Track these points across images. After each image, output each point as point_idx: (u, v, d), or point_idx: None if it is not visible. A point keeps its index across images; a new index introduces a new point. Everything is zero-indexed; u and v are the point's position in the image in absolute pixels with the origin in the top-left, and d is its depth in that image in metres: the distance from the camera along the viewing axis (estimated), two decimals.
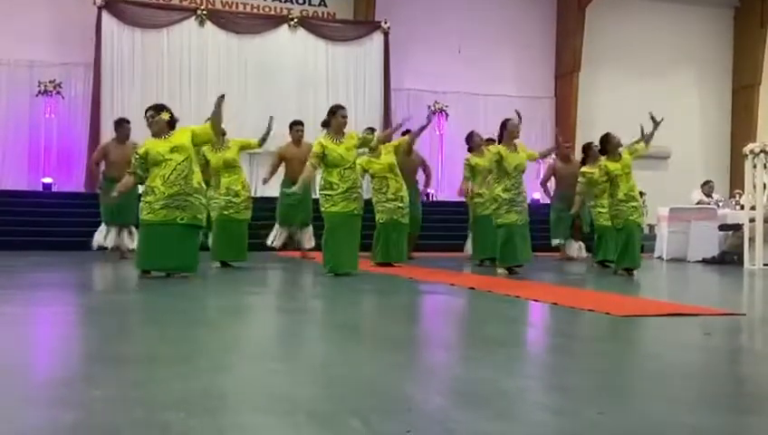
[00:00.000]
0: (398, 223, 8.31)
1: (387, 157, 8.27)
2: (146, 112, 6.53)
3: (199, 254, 6.57)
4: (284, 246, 9.76)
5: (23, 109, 14.12)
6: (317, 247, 8.35)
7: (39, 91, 14.05)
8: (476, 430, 1.90)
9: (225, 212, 7.95)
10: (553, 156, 10.15)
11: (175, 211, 6.24)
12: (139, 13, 14.46)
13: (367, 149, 8.02)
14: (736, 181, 15.41)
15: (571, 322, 4.19)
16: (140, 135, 7.03)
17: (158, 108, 6.51)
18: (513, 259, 7.49)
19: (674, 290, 7.29)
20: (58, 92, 14.17)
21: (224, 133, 8.30)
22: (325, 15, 16.03)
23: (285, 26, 15.32)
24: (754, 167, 9.75)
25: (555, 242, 10.47)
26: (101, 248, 9.11)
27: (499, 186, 7.56)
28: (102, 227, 9.12)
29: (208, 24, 14.85)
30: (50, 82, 14.08)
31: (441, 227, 12.22)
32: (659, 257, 11.65)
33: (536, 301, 4.96)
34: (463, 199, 9.78)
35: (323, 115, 7.27)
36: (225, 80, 14.84)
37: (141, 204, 6.33)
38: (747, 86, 18.07)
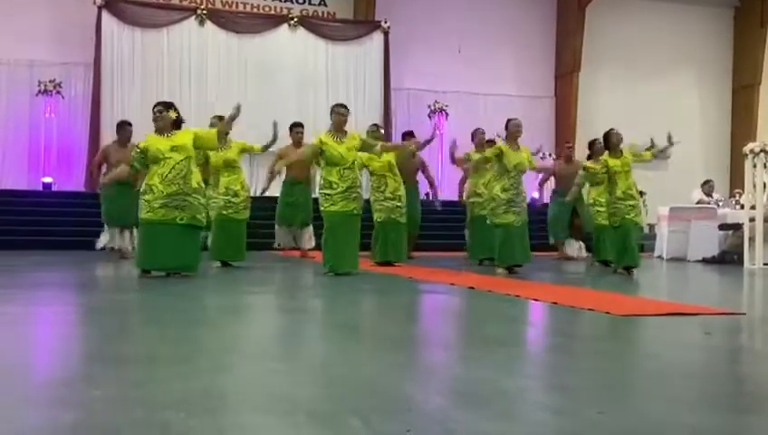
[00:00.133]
0: (396, 222, 8.31)
1: (387, 156, 8.27)
2: (154, 107, 6.55)
3: (200, 254, 6.58)
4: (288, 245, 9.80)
5: (23, 108, 14.13)
6: (317, 247, 8.35)
7: (39, 91, 14.06)
8: (476, 429, 1.90)
9: (225, 212, 7.95)
10: (554, 157, 10.17)
11: (174, 211, 6.24)
12: (139, 12, 14.46)
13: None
14: (736, 181, 15.41)
15: (570, 321, 4.19)
16: (141, 136, 7.02)
17: (168, 105, 6.53)
18: (511, 259, 7.50)
19: (674, 289, 7.29)
20: (58, 92, 14.18)
21: (226, 133, 8.29)
22: (325, 15, 16.04)
23: (285, 26, 15.32)
24: (754, 166, 9.76)
25: (553, 240, 10.49)
26: (106, 249, 9.15)
27: (498, 184, 7.57)
28: (106, 229, 9.15)
29: (208, 24, 14.85)
30: (50, 81, 14.09)
31: (441, 227, 12.22)
32: (659, 257, 11.65)
33: (536, 300, 4.96)
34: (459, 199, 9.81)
35: (323, 115, 7.30)
36: (225, 79, 14.87)
37: (140, 202, 6.34)
38: (747, 86, 18.07)
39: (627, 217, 7.60)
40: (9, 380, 2.43)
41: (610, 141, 7.79)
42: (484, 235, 8.53)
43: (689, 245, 11.16)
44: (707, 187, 12.90)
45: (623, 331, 3.85)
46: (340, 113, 7.07)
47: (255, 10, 15.57)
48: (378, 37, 15.79)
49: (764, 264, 9.44)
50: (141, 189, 6.46)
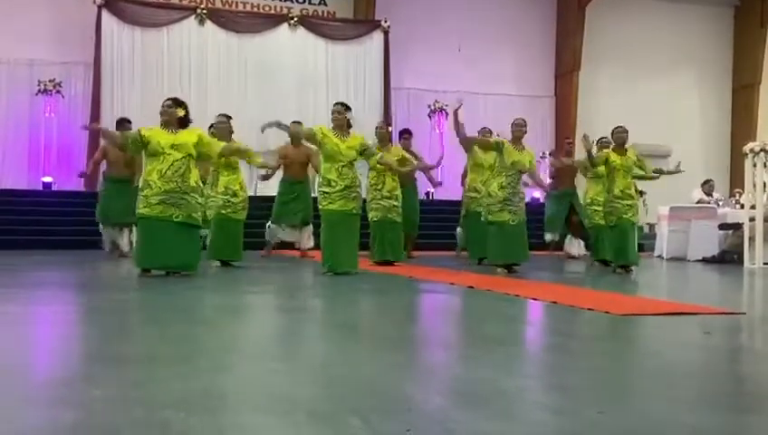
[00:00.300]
0: (393, 221, 8.30)
1: (388, 156, 8.27)
2: (165, 100, 6.55)
3: (199, 253, 6.58)
4: (282, 243, 9.77)
5: (23, 108, 14.14)
6: (317, 247, 8.34)
7: (39, 90, 14.06)
8: (476, 429, 1.90)
9: (223, 211, 7.96)
10: (550, 155, 10.14)
11: (171, 208, 6.24)
12: (138, 12, 14.47)
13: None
14: (736, 180, 15.42)
15: (570, 321, 4.19)
16: None
17: (178, 102, 6.52)
18: (503, 257, 7.50)
19: (674, 289, 7.29)
20: (58, 91, 14.18)
21: (231, 132, 8.30)
22: (325, 14, 16.04)
23: (285, 25, 15.33)
24: (754, 166, 9.76)
25: (548, 237, 10.45)
26: (105, 248, 9.21)
27: (495, 181, 7.59)
28: (101, 228, 9.18)
29: (208, 23, 14.86)
30: (50, 81, 14.09)
31: (441, 227, 12.21)
32: (659, 256, 11.65)
33: (535, 300, 4.96)
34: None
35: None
36: (225, 79, 14.88)
37: (139, 197, 6.35)
38: (747, 85, 18.07)
39: (624, 216, 7.61)
40: (9, 380, 2.43)
41: (613, 138, 7.86)
42: (479, 233, 8.49)
43: (689, 244, 11.16)
44: (708, 186, 12.90)
45: (623, 330, 3.85)
46: (336, 111, 7.05)
47: (255, 9, 15.58)
48: (378, 37, 15.79)
49: (764, 263, 9.44)
50: (140, 185, 6.47)
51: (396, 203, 8.32)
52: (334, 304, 5.06)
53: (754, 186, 9.96)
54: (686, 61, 18.13)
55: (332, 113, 7.07)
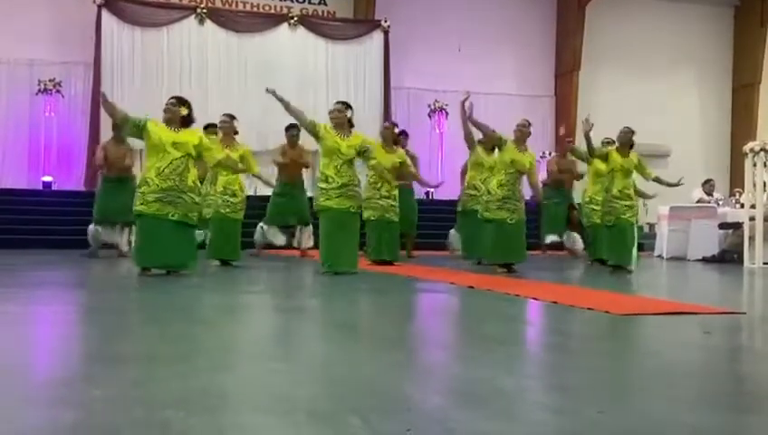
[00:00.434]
0: (390, 221, 8.30)
1: (385, 160, 8.26)
2: (170, 98, 6.55)
3: (197, 252, 6.58)
4: (270, 245, 9.74)
5: (23, 107, 14.14)
6: (316, 246, 8.34)
7: (39, 90, 14.07)
8: (476, 429, 1.90)
9: (222, 211, 7.98)
10: (550, 154, 10.11)
11: (167, 206, 6.23)
12: (138, 11, 14.47)
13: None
14: (736, 180, 15.42)
15: (570, 320, 4.19)
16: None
17: (182, 101, 6.52)
18: (501, 257, 7.50)
19: (674, 288, 7.29)
20: (58, 91, 14.19)
21: (236, 132, 8.32)
22: (325, 14, 16.04)
23: (285, 25, 15.33)
24: (754, 165, 9.76)
25: (549, 239, 10.35)
26: (105, 246, 9.15)
27: (495, 179, 7.61)
28: (91, 227, 9.09)
29: (208, 23, 14.86)
30: (50, 80, 14.10)
31: (441, 227, 12.20)
32: (659, 256, 11.66)
33: (535, 299, 4.96)
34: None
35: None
36: (225, 78, 14.88)
37: (136, 194, 6.35)
38: (747, 85, 18.07)
39: (622, 216, 7.61)
40: (9, 380, 2.43)
41: (618, 137, 7.87)
42: (474, 232, 8.47)
43: (689, 244, 11.17)
44: (708, 186, 12.91)
45: (623, 330, 3.85)
46: (336, 110, 7.02)
47: (255, 9, 15.58)
48: (378, 36, 15.79)
49: (764, 263, 9.44)
50: (139, 182, 6.47)
51: (393, 203, 8.33)
52: (334, 304, 5.06)
53: (754, 185, 9.96)
54: (686, 60, 18.13)
55: (332, 112, 7.05)
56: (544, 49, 17.48)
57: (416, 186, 9.97)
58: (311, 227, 9.54)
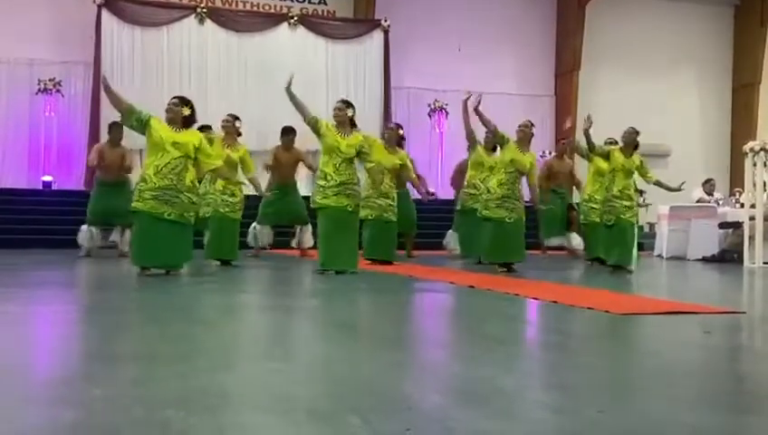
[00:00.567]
0: (388, 220, 8.31)
1: (384, 161, 8.26)
2: (173, 98, 6.56)
3: (193, 251, 6.58)
4: (267, 245, 9.73)
5: (23, 107, 14.15)
6: (316, 246, 8.34)
7: (39, 90, 14.08)
8: (476, 428, 1.90)
9: (222, 210, 7.98)
10: (550, 154, 10.09)
11: (163, 205, 6.22)
12: (138, 11, 14.47)
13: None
14: (736, 180, 15.42)
15: (570, 320, 4.19)
16: (136, 137, 7.01)
17: (185, 101, 6.51)
18: (499, 257, 7.49)
19: (674, 288, 7.29)
20: (58, 91, 14.19)
21: (239, 134, 8.31)
22: (325, 13, 16.03)
23: (285, 24, 15.33)
24: (754, 165, 9.76)
25: (550, 241, 10.32)
26: (82, 249, 9.09)
27: (495, 178, 7.62)
28: (84, 228, 9.07)
29: (208, 23, 14.86)
30: (50, 80, 14.11)
31: (441, 226, 12.20)
32: (659, 255, 11.66)
33: (535, 299, 4.96)
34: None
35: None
36: (225, 78, 14.88)
37: (135, 190, 6.38)
38: (747, 85, 18.07)
39: (622, 216, 7.60)
40: (9, 379, 2.43)
41: (623, 137, 7.84)
42: (473, 231, 8.47)
43: (689, 243, 11.17)
44: (708, 186, 12.90)
45: (622, 329, 3.85)
46: (338, 108, 7.01)
47: (255, 8, 15.58)
48: (378, 36, 15.79)
49: (764, 262, 9.44)
50: (138, 180, 6.48)
51: (392, 202, 8.33)
52: (333, 304, 5.06)
53: (754, 185, 9.96)
54: (686, 60, 18.13)
55: (333, 110, 7.04)
56: (544, 49, 17.48)
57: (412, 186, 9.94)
58: (310, 226, 9.54)
